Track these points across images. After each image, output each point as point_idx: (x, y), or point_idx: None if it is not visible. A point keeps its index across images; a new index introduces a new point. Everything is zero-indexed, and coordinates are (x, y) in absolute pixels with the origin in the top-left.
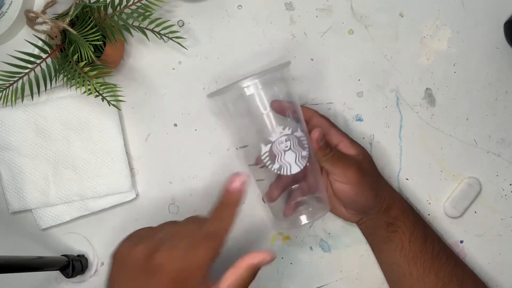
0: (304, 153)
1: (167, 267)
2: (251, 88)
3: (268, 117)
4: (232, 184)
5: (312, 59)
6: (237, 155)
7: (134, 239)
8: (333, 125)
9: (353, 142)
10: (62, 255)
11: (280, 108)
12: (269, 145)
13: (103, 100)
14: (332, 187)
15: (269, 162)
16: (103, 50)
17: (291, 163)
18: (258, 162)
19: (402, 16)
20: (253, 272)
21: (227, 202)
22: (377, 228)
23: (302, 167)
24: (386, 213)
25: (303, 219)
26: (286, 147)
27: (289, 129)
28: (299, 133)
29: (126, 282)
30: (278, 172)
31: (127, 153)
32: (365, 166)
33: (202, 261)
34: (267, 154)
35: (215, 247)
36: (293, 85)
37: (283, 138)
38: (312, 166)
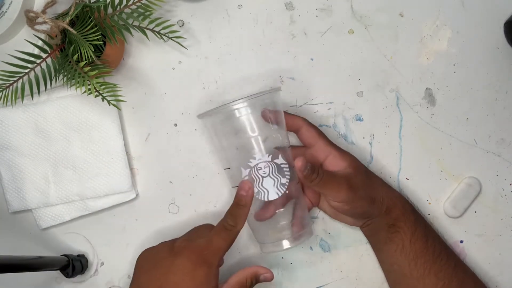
0: (284, 180)
1: (188, 250)
2: (241, 111)
3: (250, 141)
4: (243, 189)
5: (312, 59)
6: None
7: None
8: (321, 135)
9: (341, 153)
10: (62, 255)
11: (266, 117)
12: (248, 169)
13: (103, 100)
14: (328, 203)
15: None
16: (103, 50)
17: (269, 189)
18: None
19: (402, 16)
20: (254, 281)
21: (240, 204)
22: (378, 230)
23: (280, 194)
24: (387, 215)
25: (285, 244)
26: (264, 173)
27: (269, 155)
28: (279, 160)
29: (152, 270)
30: (257, 197)
31: (127, 153)
32: (356, 179)
33: (218, 247)
34: (246, 178)
35: (229, 239)
36: (282, 109)
37: (262, 164)
38: (295, 191)
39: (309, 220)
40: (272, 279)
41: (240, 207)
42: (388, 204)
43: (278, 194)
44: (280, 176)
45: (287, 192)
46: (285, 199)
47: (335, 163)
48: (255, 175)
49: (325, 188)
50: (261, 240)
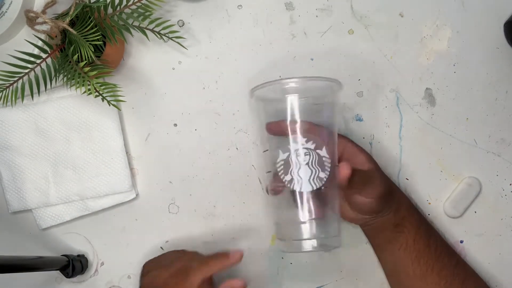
0: (322, 174)
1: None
2: (294, 89)
3: (294, 125)
4: (235, 256)
5: (312, 59)
6: (238, 155)
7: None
8: (349, 140)
9: (356, 145)
10: (62, 255)
11: (311, 130)
12: (287, 153)
13: (103, 100)
14: (349, 199)
15: (282, 171)
16: (103, 50)
17: (304, 179)
18: (275, 181)
19: (402, 16)
20: None
21: (226, 262)
22: (383, 229)
23: (315, 188)
24: (395, 214)
25: (310, 245)
26: (304, 161)
27: (312, 143)
28: (323, 152)
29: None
30: (288, 185)
31: (127, 153)
32: (380, 174)
33: (194, 279)
34: (282, 162)
35: (205, 273)
36: (339, 110)
37: (303, 151)
38: (332, 191)
39: (339, 227)
40: (237, 257)
41: (225, 263)
42: (397, 202)
43: (313, 187)
44: (319, 168)
45: (323, 188)
46: (321, 195)
47: (354, 156)
48: (293, 161)
49: (364, 187)
50: (286, 236)
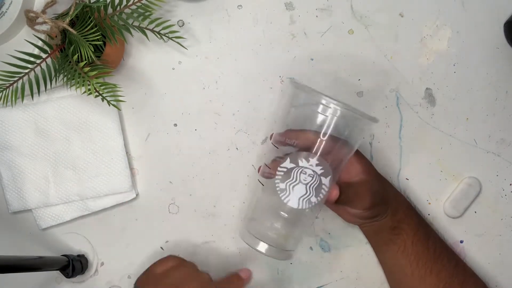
0: (313, 199)
1: None
2: (331, 111)
3: (315, 142)
4: (247, 274)
5: (312, 59)
6: (238, 155)
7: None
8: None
9: (355, 154)
10: (62, 255)
11: (330, 147)
12: (293, 165)
13: (103, 100)
14: (339, 210)
15: (280, 176)
16: (103, 50)
17: (296, 196)
18: (271, 170)
19: (402, 16)
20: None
21: (241, 284)
22: (381, 231)
23: (299, 207)
24: (391, 218)
25: (262, 247)
26: (304, 180)
27: (321, 169)
28: (325, 180)
29: None
30: (278, 193)
31: (127, 153)
32: (373, 185)
33: None
34: (285, 169)
35: None
36: (362, 141)
37: (309, 172)
38: (312, 214)
39: (295, 247)
40: (248, 275)
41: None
42: (395, 206)
43: (298, 206)
44: (314, 193)
45: (307, 210)
46: (296, 219)
47: (351, 167)
48: (295, 175)
49: (351, 203)
50: (251, 227)
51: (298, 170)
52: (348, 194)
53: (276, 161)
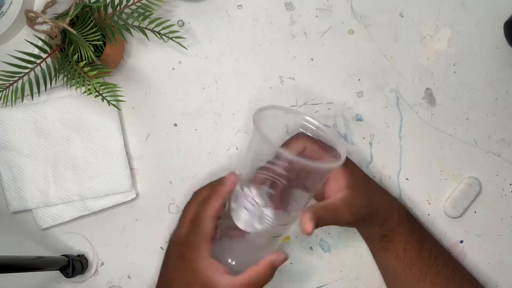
0: (258, 226)
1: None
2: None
3: (259, 175)
4: (228, 178)
5: (312, 59)
6: (237, 156)
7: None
8: (323, 150)
9: (349, 181)
10: (62, 255)
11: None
12: (240, 189)
13: (103, 100)
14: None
15: (233, 195)
16: (103, 50)
17: (241, 218)
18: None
19: (402, 16)
20: (271, 270)
21: (217, 191)
22: (372, 238)
23: (245, 230)
24: (381, 227)
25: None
26: (246, 207)
27: (263, 201)
28: (267, 211)
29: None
30: (231, 211)
31: (127, 153)
32: (357, 201)
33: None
34: (236, 191)
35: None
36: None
37: (251, 200)
38: (260, 240)
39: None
40: (286, 259)
41: (213, 194)
42: (385, 216)
43: (243, 227)
44: (258, 220)
45: (249, 234)
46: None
47: (335, 181)
48: (240, 199)
49: (333, 223)
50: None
51: (243, 196)
52: (327, 217)
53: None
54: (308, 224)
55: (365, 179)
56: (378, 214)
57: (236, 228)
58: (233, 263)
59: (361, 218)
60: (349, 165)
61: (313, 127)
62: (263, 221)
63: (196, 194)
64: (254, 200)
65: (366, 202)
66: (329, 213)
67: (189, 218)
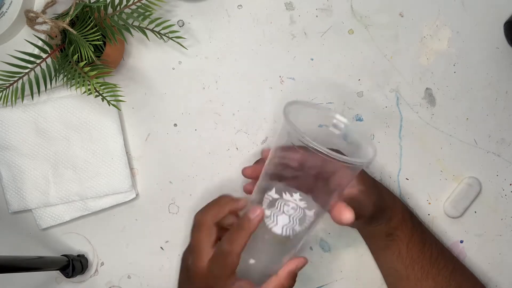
0: (298, 228)
1: (193, 278)
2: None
3: (302, 178)
4: (253, 212)
5: (312, 59)
6: (238, 155)
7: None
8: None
9: (359, 179)
10: (62, 255)
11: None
12: (277, 196)
13: (103, 100)
14: (334, 218)
15: (266, 203)
16: (103, 50)
17: (279, 224)
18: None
19: (402, 16)
20: (293, 278)
21: (242, 227)
22: (375, 237)
23: (285, 235)
24: (387, 224)
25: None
26: (287, 211)
27: (305, 203)
28: (309, 213)
29: None
30: (265, 220)
31: (127, 153)
32: (370, 197)
33: (215, 276)
34: (270, 198)
35: (225, 267)
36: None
37: (293, 205)
38: (295, 241)
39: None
40: (307, 262)
41: (240, 231)
42: (390, 213)
43: (283, 233)
44: (298, 222)
45: (291, 237)
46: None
47: (345, 180)
48: (279, 206)
49: (356, 216)
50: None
51: (282, 202)
52: (354, 209)
53: (259, 165)
54: (347, 211)
55: (371, 177)
56: (386, 211)
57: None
58: (253, 261)
59: (375, 213)
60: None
61: (343, 125)
62: (304, 223)
63: (212, 222)
64: (296, 203)
65: (378, 196)
66: (355, 204)
67: (214, 253)
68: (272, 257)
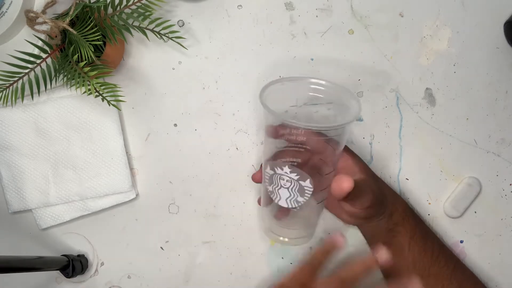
0: (300, 199)
1: None
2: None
3: (291, 151)
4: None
5: (312, 59)
6: (238, 155)
7: None
8: (344, 148)
9: (352, 155)
10: (62, 255)
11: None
12: (272, 172)
13: (103, 100)
14: (337, 208)
15: (267, 181)
16: (103, 50)
17: (282, 198)
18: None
19: (402, 16)
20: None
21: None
22: (377, 233)
23: (291, 207)
24: (388, 220)
25: (281, 240)
26: (284, 185)
27: (296, 175)
28: (305, 184)
29: None
30: (269, 194)
31: (127, 153)
32: (372, 184)
33: None
34: (268, 175)
35: None
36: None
37: (286, 178)
38: (307, 210)
39: (314, 229)
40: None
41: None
42: (391, 209)
43: (289, 206)
44: (298, 194)
45: (297, 208)
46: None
47: (347, 167)
48: (276, 180)
49: (355, 199)
50: (269, 227)
51: (277, 176)
52: (355, 190)
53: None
54: (346, 178)
55: (371, 171)
56: (387, 205)
57: (280, 208)
58: (286, 239)
59: (375, 204)
60: (355, 156)
61: (322, 87)
62: (304, 193)
63: None
64: (289, 176)
65: (378, 187)
66: (355, 190)
67: None
68: (298, 228)
